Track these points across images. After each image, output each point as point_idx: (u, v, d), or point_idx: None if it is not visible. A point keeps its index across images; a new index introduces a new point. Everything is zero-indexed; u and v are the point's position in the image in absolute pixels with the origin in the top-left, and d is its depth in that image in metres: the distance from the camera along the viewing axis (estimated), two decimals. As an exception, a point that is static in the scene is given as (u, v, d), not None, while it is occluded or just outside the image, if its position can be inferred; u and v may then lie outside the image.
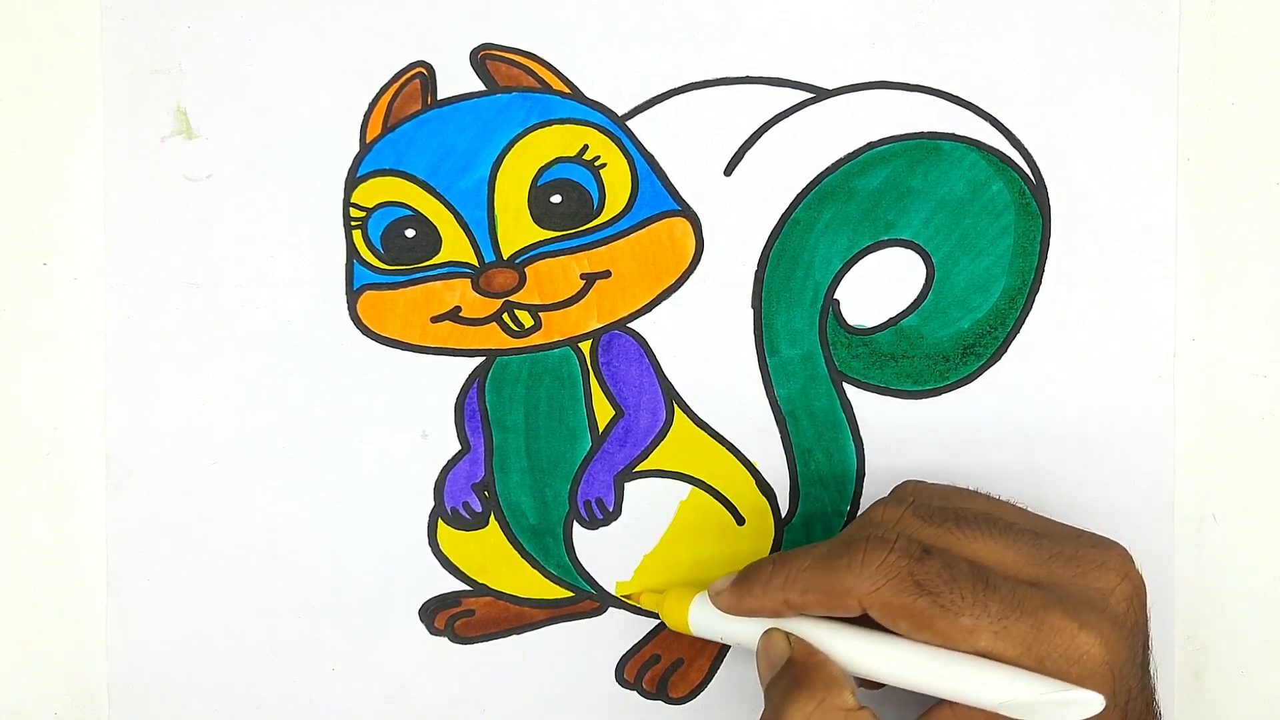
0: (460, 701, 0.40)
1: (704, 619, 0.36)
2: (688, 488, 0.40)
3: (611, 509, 0.40)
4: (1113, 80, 0.39)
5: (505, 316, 0.40)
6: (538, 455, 0.40)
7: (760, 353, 0.40)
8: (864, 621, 0.33)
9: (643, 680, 0.40)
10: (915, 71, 0.40)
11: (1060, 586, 0.32)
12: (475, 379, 0.40)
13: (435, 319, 0.40)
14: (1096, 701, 0.30)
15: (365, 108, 0.40)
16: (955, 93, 0.40)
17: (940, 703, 0.33)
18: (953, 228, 0.40)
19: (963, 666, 0.31)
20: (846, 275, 0.40)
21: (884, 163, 0.40)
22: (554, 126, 0.40)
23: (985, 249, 0.40)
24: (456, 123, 0.40)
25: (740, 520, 0.40)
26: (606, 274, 0.40)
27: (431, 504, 0.40)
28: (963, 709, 0.32)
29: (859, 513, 0.40)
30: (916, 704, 0.34)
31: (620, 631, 0.40)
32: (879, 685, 0.34)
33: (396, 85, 0.40)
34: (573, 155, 0.40)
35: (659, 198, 0.40)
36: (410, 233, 0.40)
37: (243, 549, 0.40)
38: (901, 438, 0.40)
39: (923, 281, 0.40)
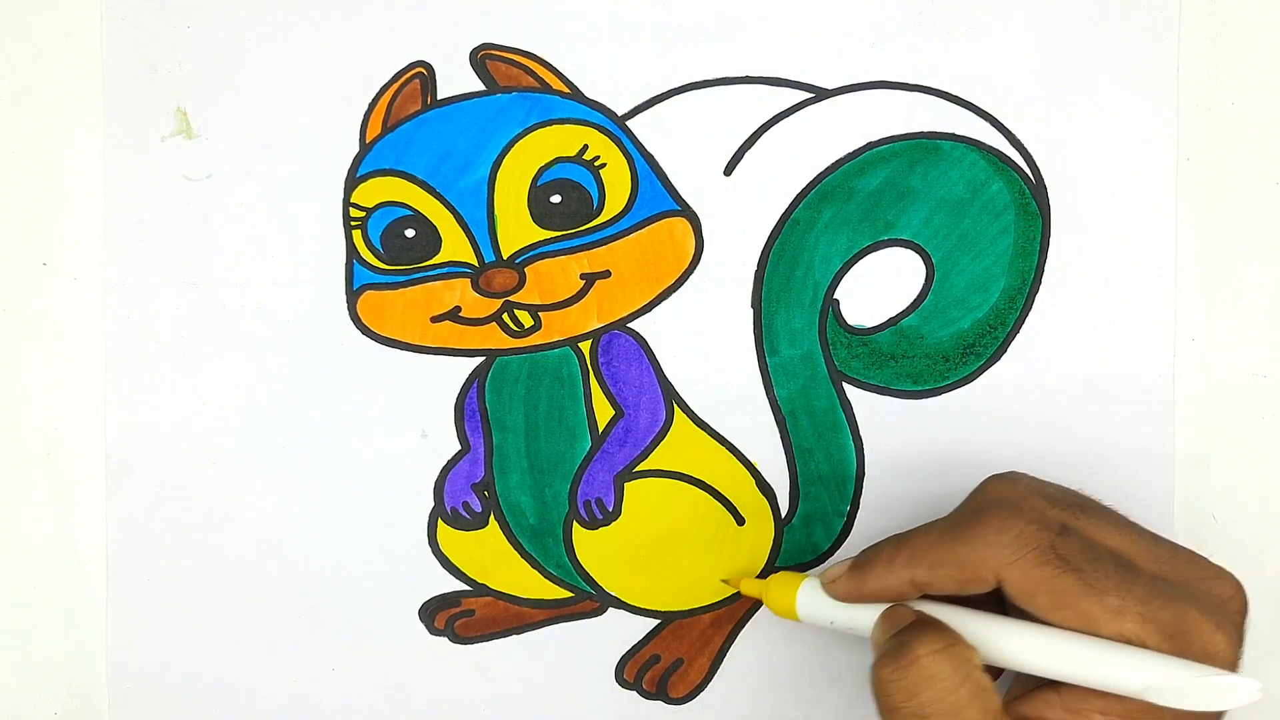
0: (460, 701, 0.40)
1: (814, 605, 0.35)
2: (686, 487, 0.40)
3: (611, 509, 0.40)
4: (1113, 80, 0.39)
5: (505, 316, 0.40)
6: (537, 455, 0.40)
7: (760, 353, 0.40)
8: (985, 608, 0.32)
9: (642, 680, 0.40)
10: (915, 71, 0.40)
11: (1189, 585, 0.30)
12: (475, 379, 0.40)
13: (435, 319, 0.40)
14: (1253, 686, 0.28)
15: (365, 108, 0.40)
16: (955, 93, 0.39)
17: (1042, 686, 0.31)
18: (953, 228, 0.40)
19: (1104, 649, 0.29)
20: (846, 275, 0.40)
21: (884, 163, 0.40)
22: (554, 126, 0.40)
23: (985, 249, 0.40)
24: (456, 123, 0.40)
25: (740, 520, 0.40)
26: (606, 274, 0.40)
27: (431, 504, 0.40)
28: (1070, 693, 0.30)
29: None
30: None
31: (620, 631, 0.40)
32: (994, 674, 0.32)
33: (396, 85, 0.40)
34: (573, 155, 0.40)
35: (659, 198, 0.40)
36: (410, 233, 0.40)
37: (243, 549, 0.40)
38: (901, 438, 0.40)
39: (922, 281, 0.40)
